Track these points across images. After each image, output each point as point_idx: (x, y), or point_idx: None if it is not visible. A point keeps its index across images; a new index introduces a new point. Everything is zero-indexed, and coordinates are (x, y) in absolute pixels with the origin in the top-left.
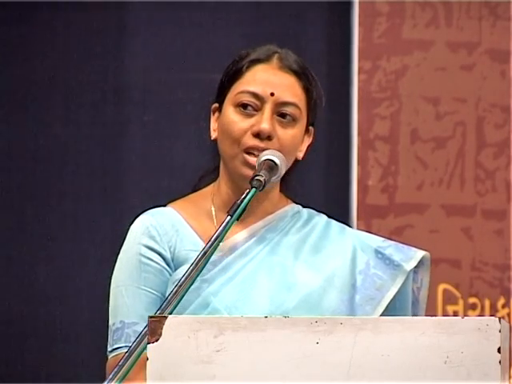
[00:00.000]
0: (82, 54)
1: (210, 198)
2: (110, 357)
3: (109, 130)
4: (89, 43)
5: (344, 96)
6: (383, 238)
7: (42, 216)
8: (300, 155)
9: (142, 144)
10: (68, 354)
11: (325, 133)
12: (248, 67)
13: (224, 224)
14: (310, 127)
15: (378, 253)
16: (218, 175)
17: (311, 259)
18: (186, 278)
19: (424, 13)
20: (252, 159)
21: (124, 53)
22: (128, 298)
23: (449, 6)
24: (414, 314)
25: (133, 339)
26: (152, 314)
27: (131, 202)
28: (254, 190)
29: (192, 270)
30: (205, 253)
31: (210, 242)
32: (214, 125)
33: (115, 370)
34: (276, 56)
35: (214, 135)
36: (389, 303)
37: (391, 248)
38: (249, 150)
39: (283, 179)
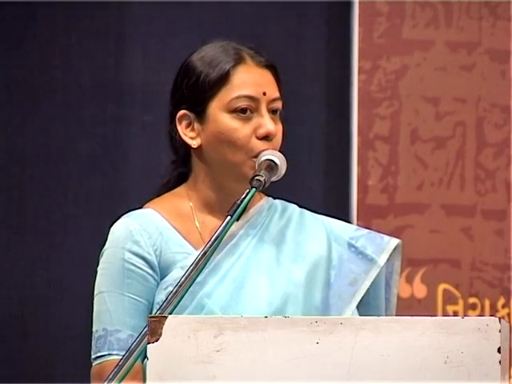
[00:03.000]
0: (82, 54)
1: (186, 198)
2: (93, 364)
3: (109, 129)
4: (89, 43)
5: (344, 96)
6: (356, 227)
7: (42, 216)
8: None
9: (142, 144)
10: (68, 353)
11: (325, 133)
12: (232, 71)
13: (224, 224)
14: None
15: (351, 246)
16: (185, 177)
17: (293, 253)
18: (186, 278)
19: (424, 13)
20: None
21: (124, 53)
22: (111, 304)
23: (449, 5)
24: (387, 299)
25: (116, 347)
26: (136, 322)
27: (131, 201)
28: (253, 189)
29: (192, 271)
30: (205, 253)
31: (210, 242)
32: (188, 133)
33: (115, 370)
34: (246, 54)
35: (195, 143)
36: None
37: (363, 239)
38: (257, 155)
39: None
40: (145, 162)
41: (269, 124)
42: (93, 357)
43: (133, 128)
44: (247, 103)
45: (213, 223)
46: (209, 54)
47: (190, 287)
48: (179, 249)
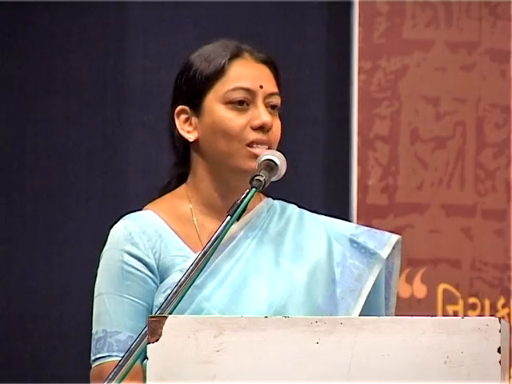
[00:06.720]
0: (82, 53)
1: (185, 199)
2: (93, 366)
3: (109, 129)
4: (89, 43)
5: (344, 96)
6: (356, 225)
7: (42, 216)
8: None
9: (142, 144)
10: (68, 353)
11: (325, 133)
12: (228, 64)
13: (224, 224)
14: None
15: (353, 242)
16: (186, 177)
17: (292, 254)
18: (186, 279)
19: (424, 13)
20: (257, 150)
21: (124, 53)
22: (110, 306)
23: (449, 5)
24: (386, 299)
25: (115, 348)
26: (135, 323)
27: (131, 202)
28: (253, 189)
29: (192, 271)
30: (205, 253)
31: (210, 242)
32: (186, 127)
33: (115, 370)
34: (244, 49)
35: (192, 137)
36: None
37: (364, 235)
38: (252, 144)
39: None
40: (145, 162)
41: (264, 115)
42: (92, 358)
43: (133, 128)
44: (243, 95)
45: (212, 225)
46: (207, 51)
47: (189, 287)
48: (178, 252)
